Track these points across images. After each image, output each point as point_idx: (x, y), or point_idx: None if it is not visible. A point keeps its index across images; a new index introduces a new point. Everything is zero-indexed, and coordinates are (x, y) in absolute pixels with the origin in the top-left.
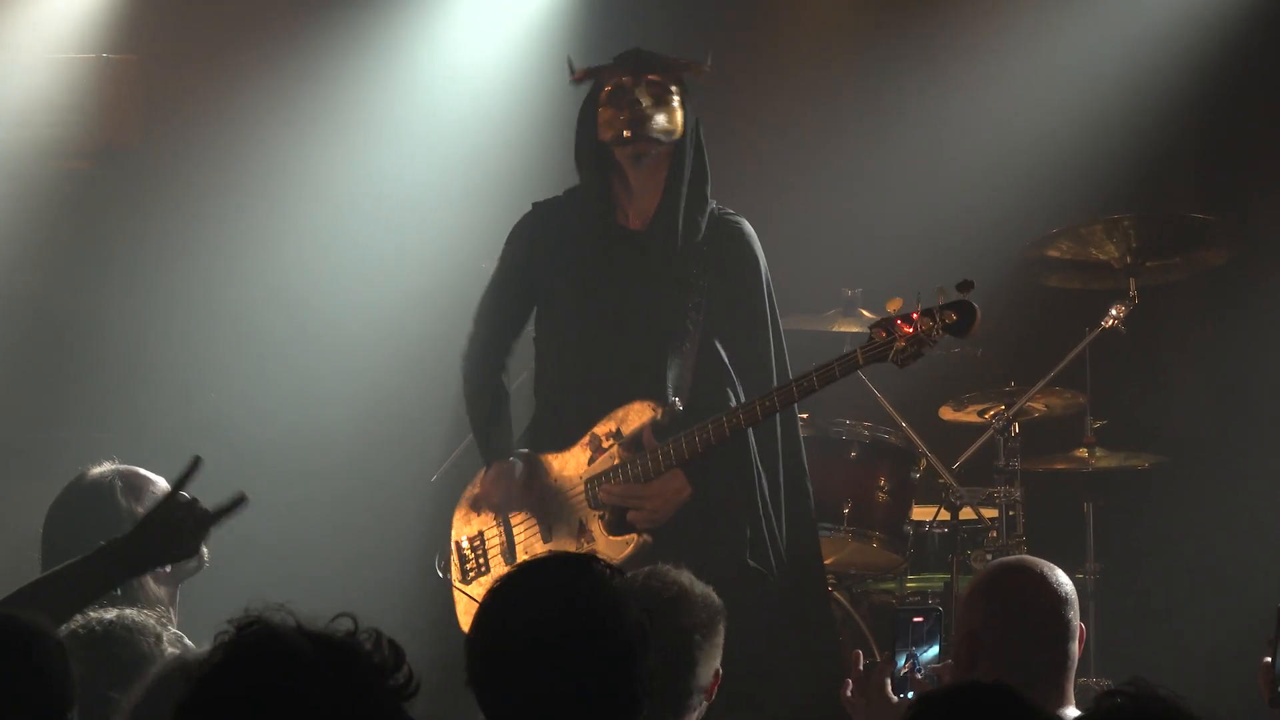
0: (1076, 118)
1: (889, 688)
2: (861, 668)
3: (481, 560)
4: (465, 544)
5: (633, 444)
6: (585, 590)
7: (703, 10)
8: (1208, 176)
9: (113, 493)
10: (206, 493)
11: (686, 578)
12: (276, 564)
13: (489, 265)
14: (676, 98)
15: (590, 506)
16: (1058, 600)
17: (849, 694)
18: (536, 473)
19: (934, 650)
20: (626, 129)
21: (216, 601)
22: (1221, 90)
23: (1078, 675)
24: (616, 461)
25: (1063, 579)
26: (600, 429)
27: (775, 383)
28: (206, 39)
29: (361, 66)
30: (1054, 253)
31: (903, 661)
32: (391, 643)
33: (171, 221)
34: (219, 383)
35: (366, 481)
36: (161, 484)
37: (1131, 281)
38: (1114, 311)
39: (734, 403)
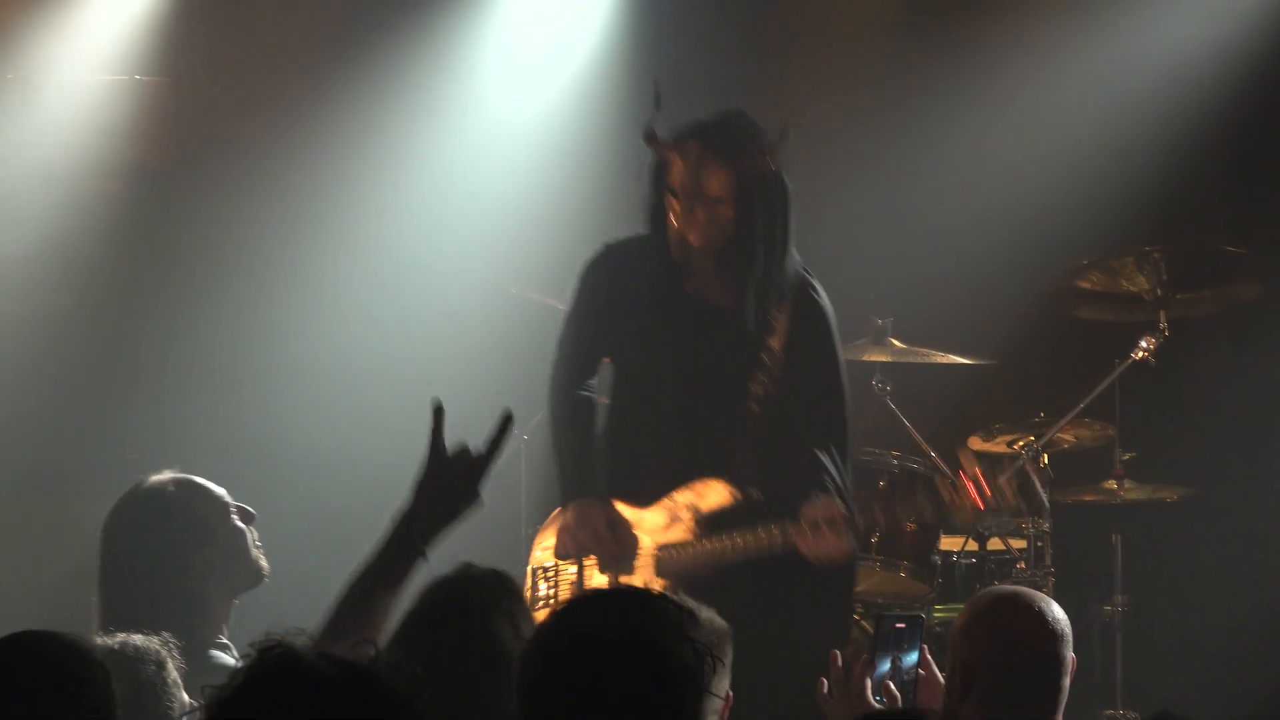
0: (1108, 149)
1: (869, 690)
2: (840, 666)
3: (552, 591)
4: (540, 572)
5: (708, 523)
6: (639, 625)
7: (735, 43)
8: (1240, 210)
9: (165, 493)
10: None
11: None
12: (299, 585)
13: (517, 291)
14: (734, 203)
15: (655, 574)
16: (1051, 635)
17: (825, 692)
18: (620, 526)
19: (914, 656)
20: (675, 236)
21: (245, 621)
22: (1255, 123)
23: (1104, 707)
24: (689, 536)
25: (1058, 613)
26: (680, 498)
27: (846, 447)
28: (239, 62)
29: (393, 91)
30: (1084, 284)
31: (886, 666)
32: (411, 668)
33: (203, 243)
34: (247, 402)
35: (390, 504)
36: (218, 491)
37: (1162, 314)
38: (1144, 344)
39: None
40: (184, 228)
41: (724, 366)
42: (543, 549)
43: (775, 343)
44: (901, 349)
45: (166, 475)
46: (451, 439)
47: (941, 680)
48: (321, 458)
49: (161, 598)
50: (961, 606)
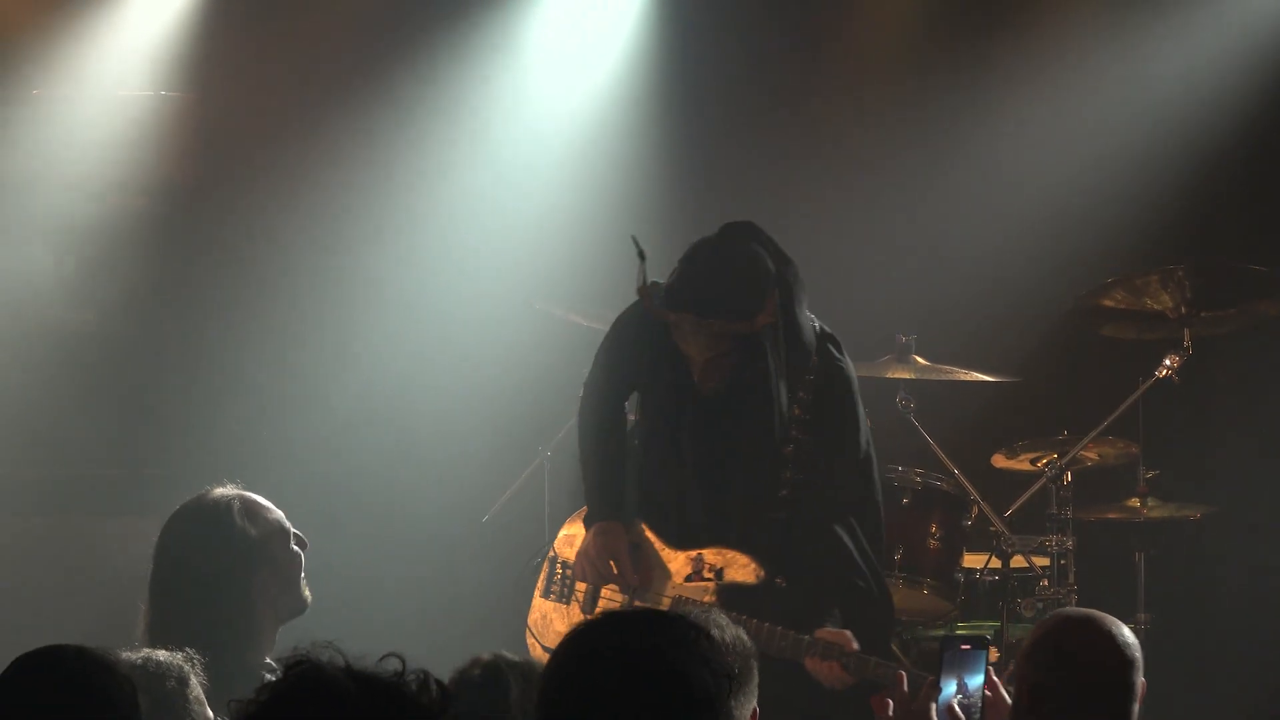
0: (1132, 166)
1: (933, 713)
2: (905, 689)
3: (566, 588)
4: (559, 565)
5: (726, 593)
6: (658, 648)
7: (763, 59)
8: (1264, 227)
9: (229, 511)
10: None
11: (716, 626)
12: (331, 601)
13: (540, 305)
14: (739, 351)
15: None
16: (1124, 662)
17: (890, 714)
18: (642, 553)
19: (979, 679)
20: (706, 387)
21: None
22: None
23: None
24: (708, 599)
25: (1129, 638)
26: (710, 556)
27: (873, 511)
28: (267, 77)
29: (418, 108)
30: (1108, 302)
31: (952, 689)
32: (439, 684)
33: (230, 258)
34: (276, 415)
35: (420, 520)
36: (278, 514)
37: (1186, 332)
38: (1168, 362)
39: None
40: (211, 243)
41: (747, 444)
42: (565, 544)
43: (799, 424)
44: (925, 366)
45: (231, 491)
46: (474, 451)
47: (1009, 701)
48: (348, 469)
49: (214, 614)
50: (983, 624)
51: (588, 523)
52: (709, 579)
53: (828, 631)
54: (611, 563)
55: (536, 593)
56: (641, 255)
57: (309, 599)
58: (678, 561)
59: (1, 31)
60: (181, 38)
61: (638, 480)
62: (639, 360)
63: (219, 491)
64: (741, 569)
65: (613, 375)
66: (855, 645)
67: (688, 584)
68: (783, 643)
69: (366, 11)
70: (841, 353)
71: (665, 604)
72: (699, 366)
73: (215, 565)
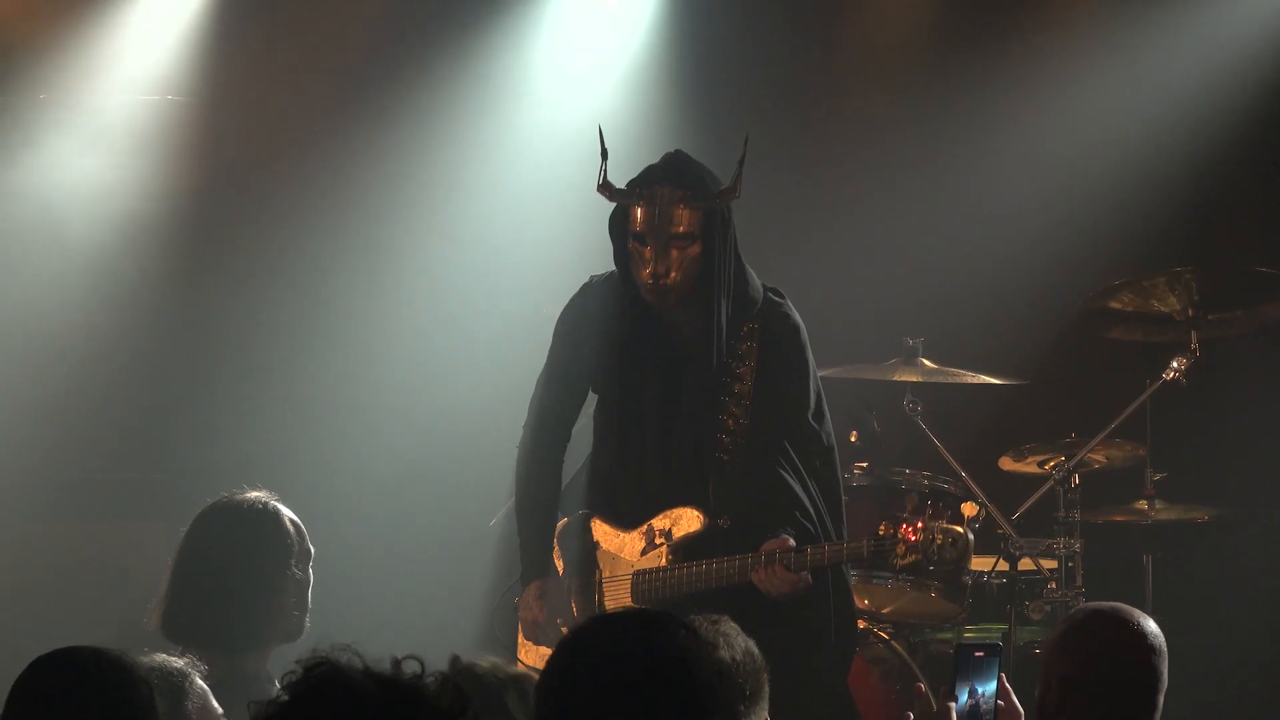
0: (1140, 169)
1: (954, 716)
2: (925, 696)
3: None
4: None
5: (680, 550)
6: (657, 645)
7: (769, 68)
8: (1272, 230)
9: (274, 511)
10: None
11: (725, 647)
12: (338, 604)
13: (550, 310)
14: (701, 239)
15: (633, 600)
16: (1150, 651)
17: None
18: (603, 554)
19: (992, 686)
20: (649, 280)
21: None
22: None
23: None
24: (663, 563)
25: (1154, 628)
26: (657, 523)
27: (819, 459)
28: (274, 82)
29: (428, 112)
30: (1116, 304)
31: (965, 696)
32: (457, 686)
33: (237, 265)
34: (288, 420)
35: (428, 524)
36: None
37: (1193, 334)
38: (1175, 364)
39: (808, 514)
40: (218, 249)
41: (695, 400)
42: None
43: (746, 370)
44: (932, 369)
45: (265, 494)
46: (482, 455)
47: (1021, 710)
48: (357, 473)
49: (235, 611)
50: (991, 626)
51: (525, 580)
52: (660, 544)
53: (768, 542)
54: (562, 627)
55: (519, 638)
56: (604, 154)
57: (304, 628)
58: (632, 540)
59: (8, 36)
60: (191, 42)
61: (591, 481)
62: (588, 347)
63: (253, 494)
64: (688, 521)
65: (551, 389)
66: (790, 545)
67: (643, 558)
68: (730, 570)
69: (378, 18)
70: (785, 301)
71: (626, 584)
72: (658, 252)
73: (250, 560)
